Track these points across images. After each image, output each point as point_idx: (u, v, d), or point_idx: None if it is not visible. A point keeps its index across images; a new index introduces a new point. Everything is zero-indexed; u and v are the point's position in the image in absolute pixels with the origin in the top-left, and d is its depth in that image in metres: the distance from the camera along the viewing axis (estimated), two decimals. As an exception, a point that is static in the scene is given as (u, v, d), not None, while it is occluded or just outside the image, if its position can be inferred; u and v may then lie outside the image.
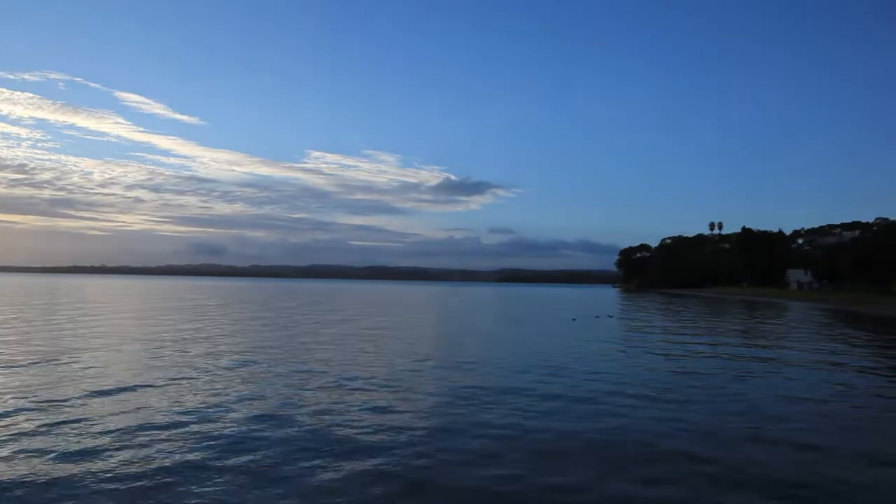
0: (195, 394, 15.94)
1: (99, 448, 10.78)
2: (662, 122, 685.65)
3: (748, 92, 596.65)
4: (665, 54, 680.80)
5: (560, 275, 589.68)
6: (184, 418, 13.16)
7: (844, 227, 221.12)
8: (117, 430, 12.05)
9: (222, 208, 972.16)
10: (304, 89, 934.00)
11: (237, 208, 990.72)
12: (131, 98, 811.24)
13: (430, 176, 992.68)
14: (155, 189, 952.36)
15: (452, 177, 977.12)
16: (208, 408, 14.25)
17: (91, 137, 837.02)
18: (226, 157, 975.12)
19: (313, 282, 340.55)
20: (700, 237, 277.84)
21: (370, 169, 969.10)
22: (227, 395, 15.92)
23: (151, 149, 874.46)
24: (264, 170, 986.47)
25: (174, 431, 12.06)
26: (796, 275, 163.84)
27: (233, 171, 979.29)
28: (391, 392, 16.79)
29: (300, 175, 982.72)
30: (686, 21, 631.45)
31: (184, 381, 17.63)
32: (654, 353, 27.70)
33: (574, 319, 50.30)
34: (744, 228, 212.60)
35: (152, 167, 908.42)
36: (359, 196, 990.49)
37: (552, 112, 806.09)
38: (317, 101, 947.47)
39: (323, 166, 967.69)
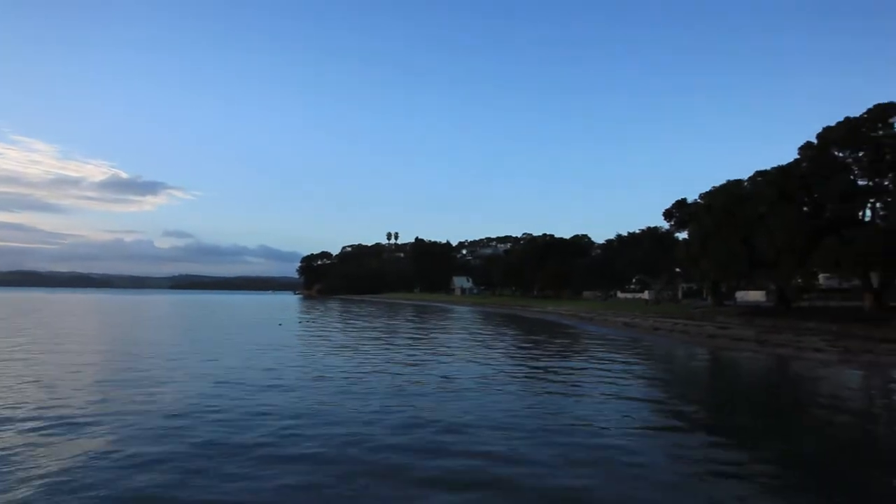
0: None
1: None
2: (342, 131, 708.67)
3: (415, 110, 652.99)
4: (365, 63, 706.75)
5: (240, 281, 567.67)
6: None
7: (499, 240, 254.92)
8: None
9: None
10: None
11: None
12: None
13: (96, 171, 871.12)
14: None
15: (123, 173, 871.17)
16: None
17: None
18: None
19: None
20: (378, 246, 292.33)
21: (19, 158, 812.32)
22: None
23: None
24: None
25: None
26: (460, 281, 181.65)
27: None
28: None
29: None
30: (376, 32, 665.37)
31: None
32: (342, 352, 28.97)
33: (281, 324, 54.36)
34: (417, 239, 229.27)
35: None
36: (2, 189, 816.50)
37: (235, 113, 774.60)
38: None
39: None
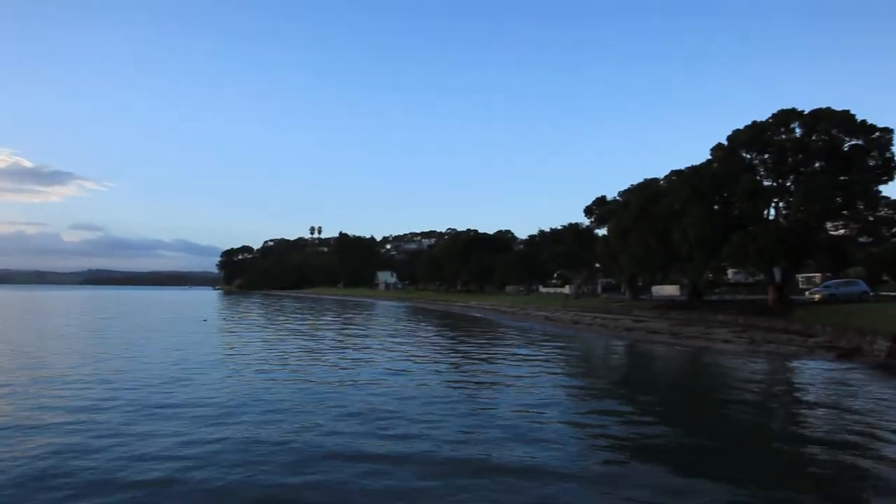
0: None
1: None
2: (263, 121, 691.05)
3: (337, 101, 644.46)
4: (282, 50, 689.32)
5: (156, 276, 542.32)
6: None
7: (423, 234, 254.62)
8: None
9: None
10: None
11: None
12: None
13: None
14: None
15: (26, 162, 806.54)
16: None
17: None
18: None
19: None
20: (301, 240, 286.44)
21: None
22: None
23: None
24: None
25: None
26: (384, 276, 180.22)
27: None
28: None
29: None
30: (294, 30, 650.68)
31: None
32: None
33: (205, 320, 54.44)
34: (340, 233, 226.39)
35: None
36: None
37: (150, 102, 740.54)
38: None
39: None
